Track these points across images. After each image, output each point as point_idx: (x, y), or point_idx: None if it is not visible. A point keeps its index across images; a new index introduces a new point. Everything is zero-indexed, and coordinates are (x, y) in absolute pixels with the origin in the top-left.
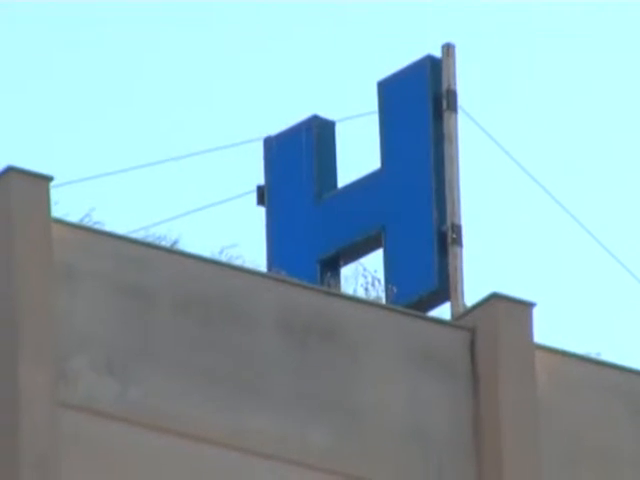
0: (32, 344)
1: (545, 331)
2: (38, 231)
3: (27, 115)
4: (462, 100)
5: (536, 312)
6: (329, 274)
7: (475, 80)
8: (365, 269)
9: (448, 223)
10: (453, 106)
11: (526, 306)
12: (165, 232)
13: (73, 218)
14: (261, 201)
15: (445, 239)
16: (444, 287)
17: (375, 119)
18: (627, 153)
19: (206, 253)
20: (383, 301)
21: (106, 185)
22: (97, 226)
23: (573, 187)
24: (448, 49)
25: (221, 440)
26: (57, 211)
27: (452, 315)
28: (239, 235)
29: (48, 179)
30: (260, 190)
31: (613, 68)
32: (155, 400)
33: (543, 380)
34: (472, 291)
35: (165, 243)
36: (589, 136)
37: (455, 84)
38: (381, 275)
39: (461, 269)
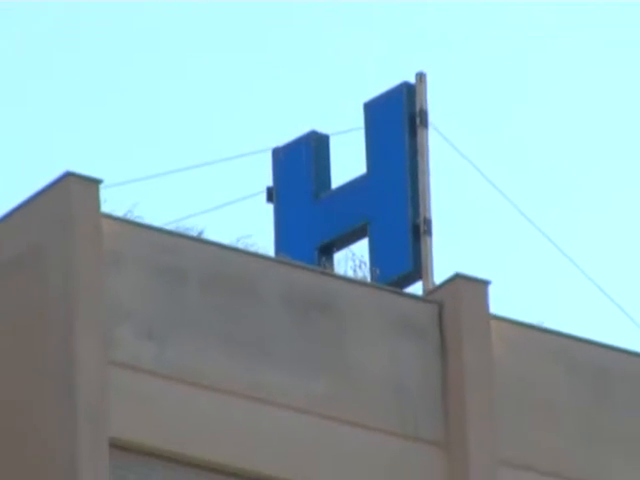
0: (86, 315)
1: (499, 304)
2: (91, 225)
3: (79, 122)
4: (433, 118)
5: (491, 289)
6: (324, 258)
7: (446, 102)
8: (354, 254)
9: (421, 218)
10: (425, 123)
11: (483, 284)
12: (193, 224)
13: (119, 213)
14: (270, 199)
15: (418, 230)
16: (417, 269)
17: (361, 133)
18: (571, 155)
19: (226, 241)
20: (368, 280)
21: (145, 185)
22: (138, 219)
23: (521, 185)
24: (421, 77)
25: (240, 392)
26: (106, 207)
27: (423, 291)
28: (253, 227)
29: (98, 182)
30: (269, 190)
31: (575, 85)
32: (186, 360)
33: (498, 345)
34: (440, 272)
35: (193, 233)
36: (536, 138)
37: (426, 105)
38: (367, 259)
39: (431, 254)
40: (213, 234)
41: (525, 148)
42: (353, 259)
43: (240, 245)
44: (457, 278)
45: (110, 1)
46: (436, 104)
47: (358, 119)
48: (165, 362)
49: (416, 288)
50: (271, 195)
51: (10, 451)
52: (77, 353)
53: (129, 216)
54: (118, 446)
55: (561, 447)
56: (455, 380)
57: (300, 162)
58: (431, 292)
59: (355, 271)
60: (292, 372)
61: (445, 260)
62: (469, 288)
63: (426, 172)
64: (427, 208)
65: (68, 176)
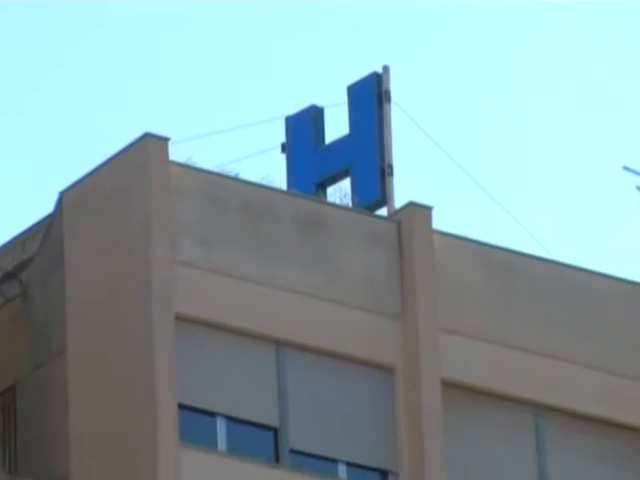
0: (159, 230)
1: (441, 223)
2: (162, 169)
3: (152, 89)
4: (395, 96)
5: (434, 212)
6: (320, 191)
7: (405, 84)
8: (340, 188)
9: (386, 163)
10: (388, 99)
11: (428, 209)
12: (231, 168)
13: (181, 160)
14: (283, 151)
15: (384, 172)
16: (383, 198)
17: (345, 107)
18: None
19: (254, 179)
20: (350, 205)
21: (199, 141)
22: (194, 164)
23: (464, 142)
24: (385, 68)
25: (262, 281)
26: (172, 156)
27: (388, 213)
28: (272, 169)
29: (166, 139)
30: (283, 145)
31: (521, 69)
32: (225, 259)
33: (438, 249)
34: (399, 201)
35: (231, 174)
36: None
37: (389, 87)
38: (349, 191)
39: (393, 188)
40: (245, 175)
41: (459, 115)
42: (340, 191)
43: (263, 182)
44: (410, 205)
45: None
46: (398, 86)
47: (343, 96)
48: (211, 261)
49: (382, 211)
50: (284, 148)
51: (104, 331)
52: (153, 256)
53: (188, 162)
54: (181, 319)
55: (481, 319)
56: (409, 273)
57: (304, 126)
58: (393, 214)
59: (341, 199)
60: (298, 268)
61: (403, 192)
62: (418, 211)
63: (389, 133)
64: (390, 157)
65: (146, 135)
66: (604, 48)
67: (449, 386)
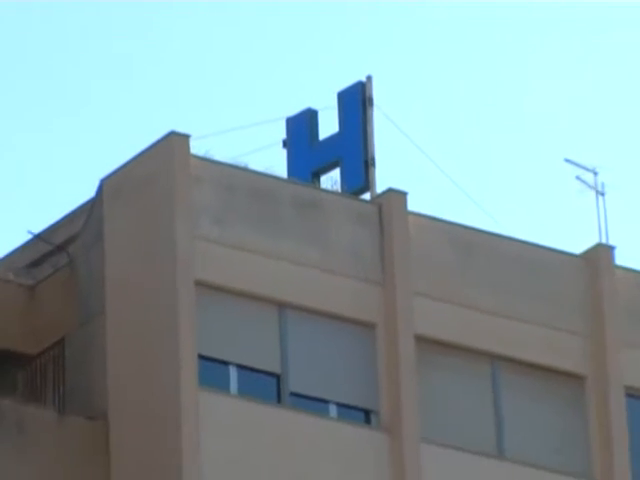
0: (181, 211)
1: (416, 205)
2: (183, 161)
3: (176, 90)
4: (378, 101)
5: (410, 197)
6: (315, 179)
7: (387, 91)
8: (332, 177)
9: (369, 156)
10: (371, 104)
11: (404, 194)
12: (241, 160)
13: (200, 153)
14: (284, 146)
15: (368, 164)
16: (367, 185)
17: (335, 110)
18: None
19: (260, 169)
20: (340, 191)
21: (217, 137)
22: (210, 157)
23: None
24: (369, 78)
25: (267, 253)
26: (193, 150)
27: (371, 197)
28: (275, 161)
29: (188, 136)
30: (284, 141)
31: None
32: (237, 235)
33: (412, 228)
34: (380, 187)
35: (241, 165)
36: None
37: (372, 94)
38: (339, 179)
39: (374, 177)
40: (252, 165)
41: (431, 116)
42: (331, 179)
43: (268, 171)
44: (389, 191)
45: None
46: (381, 92)
47: (334, 101)
48: (224, 236)
49: (366, 196)
50: (285, 144)
51: (136, 295)
52: (176, 232)
53: (206, 155)
54: (200, 284)
55: (448, 285)
56: (388, 247)
57: (301, 125)
58: (374, 198)
59: (332, 186)
60: (296, 243)
61: (383, 180)
62: (396, 196)
63: (372, 131)
64: (372, 151)
65: (171, 133)
66: (560, 47)
67: (421, 340)
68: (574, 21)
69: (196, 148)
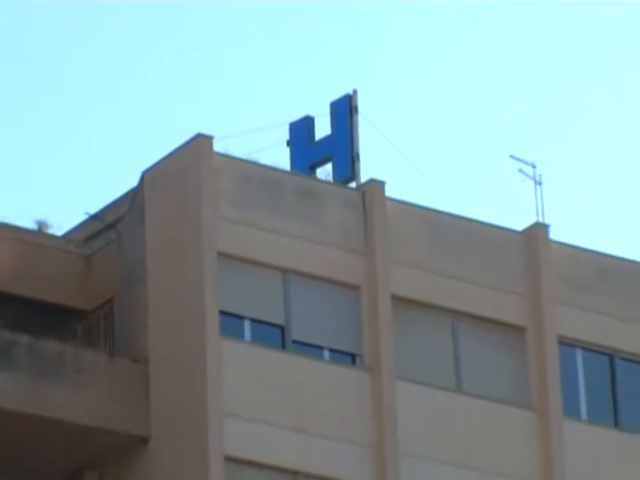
0: (207, 197)
1: (393, 193)
2: (208, 158)
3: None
4: (362, 109)
5: (388, 186)
6: (312, 171)
7: (369, 99)
8: (326, 169)
9: (354, 153)
10: (356, 112)
11: (382, 183)
12: (253, 156)
13: (220, 150)
14: (288, 145)
15: (354, 159)
16: (353, 176)
17: (328, 117)
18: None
19: (269, 163)
20: (332, 180)
21: (237, 138)
22: (228, 154)
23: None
24: (355, 92)
25: (274, 230)
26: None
27: (356, 186)
28: (281, 157)
29: (211, 137)
30: (287, 141)
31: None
32: (250, 215)
33: (390, 210)
34: (363, 177)
35: (253, 159)
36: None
37: (357, 103)
38: (331, 171)
39: (359, 169)
40: (263, 160)
41: (406, 120)
42: (325, 171)
43: (275, 165)
44: (371, 180)
45: None
46: (366, 100)
47: (327, 109)
48: (241, 217)
49: (352, 185)
50: (288, 143)
51: (170, 263)
52: (202, 214)
53: (226, 152)
54: (222, 255)
55: (419, 255)
56: (370, 226)
57: (301, 129)
58: (359, 187)
59: (326, 177)
60: (297, 222)
61: (366, 172)
62: (376, 185)
63: (357, 133)
64: (357, 149)
65: (198, 135)
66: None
67: (397, 299)
68: (514, 23)
69: (217, 146)
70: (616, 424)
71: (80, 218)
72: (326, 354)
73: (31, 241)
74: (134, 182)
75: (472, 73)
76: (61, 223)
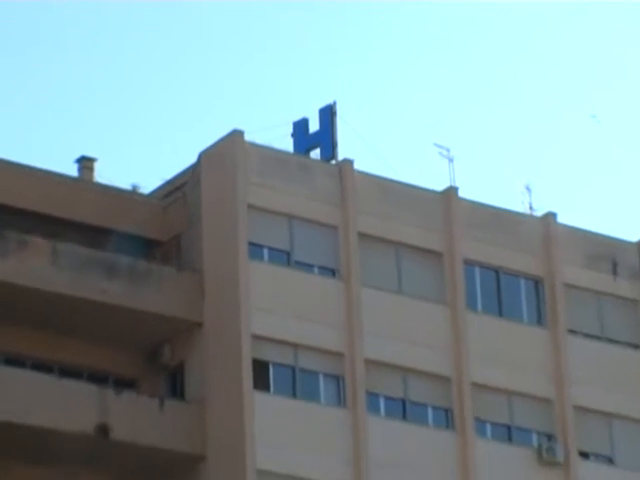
0: (241, 177)
1: (361, 167)
2: (238, 147)
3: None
4: (341, 113)
5: (356, 164)
6: (307, 153)
7: (348, 107)
8: (316, 152)
9: (334, 142)
10: (335, 115)
11: (351, 161)
12: (273, 144)
13: (246, 139)
14: (292, 136)
15: (334, 146)
16: (334, 156)
17: (317, 120)
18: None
19: (280, 148)
20: (319, 159)
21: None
22: (255, 142)
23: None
24: (335, 102)
25: (283, 192)
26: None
27: (335, 163)
28: (287, 145)
29: (242, 132)
30: (292, 134)
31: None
32: (268, 182)
33: (358, 180)
34: (341, 156)
35: (273, 147)
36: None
37: (336, 110)
38: (319, 153)
39: (337, 152)
40: (277, 146)
41: (375, 119)
42: (316, 154)
43: (284, 149)
44: (344, 160)
45: None
46: (345, 106)
47: (316, 114)
48: (262, 182)
49: (332, 162)
50: (292, 135)
51: (226, 211)
52: (237, 182)
53: (251, 141)
54: (250, 207)
55: (373, 205)
56: (344, 188)
57: (300, 126)
58: (338, 163)
59: (316, 157)
60: (299, 185)
61: (343, 153)
62: (348, 163)
63: (336, 129)
64: (336, 139)
65: (234, 131)
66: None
67: (363, 235)
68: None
69: (247, 137)
70: (500, 314)
71: (160, 182)
72: (315, 270)
73: (128, 198)
74: (194, 159)
75: (418, 75)
76: (148, 185)
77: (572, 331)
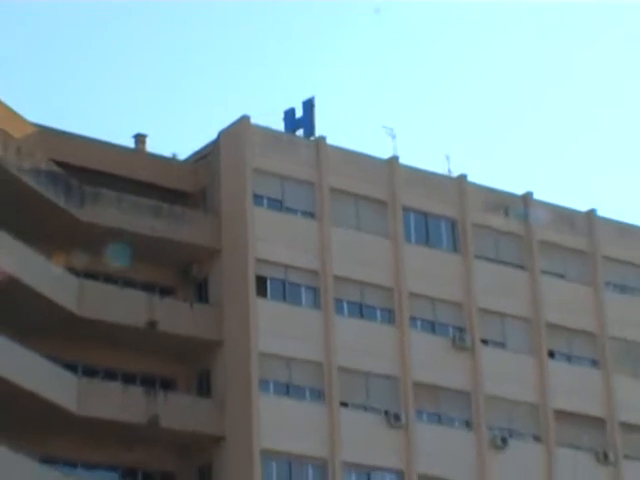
0: (249, 147)
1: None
2: (244, 129)
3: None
4: (319, 107)
5: (328, 140)
6: (294, 133)
7: (325, 102)
8: (300, 132)
9: (313, 124)
10: (314, 106)
11: (324, 137)
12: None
13: (253, 122)
14: (284, 121)
15: (313, 127)
16: (312, 133)
17: (301, 109)
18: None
19: (276, 128)
20: (302, 136)
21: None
22: (257, 125)
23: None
24: (313, 97)
25: (279, 159)
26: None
27: (313, 139)
28: (280, 126)
29: (248, 117)
30: (283, 119)
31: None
32: (268, 153)
33: (329, 150)
34: (317, 133)
35: (270, 128)
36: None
37: (315, 103)
38: (302, 132)
39: (315, 131)
40: (274, 127)
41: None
42: (301, 132)
43: (277, 129)
44: (320, 137)
45: None
46: (322, 101)
47: (300, 104)
48: (263, 153)
49: (312, 139)
50: (284, 120)
51: (229, 176)
52: (246, 153)
53: (255, 123)
54: (254, 170)
55: (341, 165)
56: (320, 155)
57: (289, 114)
58: (314, 140)
59: (300, 135)
60: (288, 155)
61: (319, 132)
62: (322, 139)
63: (314, 115)
64: (314, 122)
65: (243, 116)
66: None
67: (331, 189)
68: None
69: (253, 120)
70: (427, 242)
71: (191, 152)
72: (299, 213)
73: (168, 162)
74: (215, 136)
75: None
76: (183, 154)
77: (477, 256)
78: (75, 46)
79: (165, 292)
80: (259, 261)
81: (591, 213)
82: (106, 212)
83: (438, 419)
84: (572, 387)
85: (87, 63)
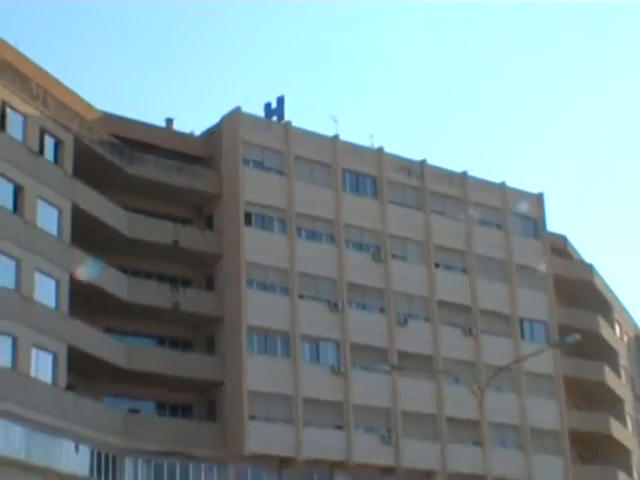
0: (243, 129)
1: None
2: (237, 119)
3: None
4: (289, 104)
5: (294, 123)
6: (270, 119)
7: (296, 99)
8: (274, 118)
9: (284, 113)
10: (283, 102)
11: (289, 122)
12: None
13: (248, 111)
14: (265, 110)
15: (283, 116)
16: (283, 118)
17: (275, 104)
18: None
19: (260, 117)
20: (277, 121)
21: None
22: (254, 115)
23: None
24: (283, 95)
25: (272, 139)
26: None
27: (283, 123)
28: (261, 114)
29: (240, 107)
30: (264, 110)
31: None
32: (259, 134)
33: (296, 133)
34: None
35: (259, 115)
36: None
37: (284, 98)
38: (276, 119)
39: (285, 117)
40: (258, 115)
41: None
42: (275, 119)
43: (260, 116)
44: (287, 122)
45: None
46: (292, 97)
47: (274, 101)
48: (251, 134)
49: (283, 122)
50: (265, 110)
51: (230, 152)
52: (239, 134)
53: (248, 112)
54: (244, 143)
55: (314, 144)
56: (287, 133)
57: (268, 106)
58: (283, 124)
59: (274, 120)
60: (266, 134)
61: (288, 117)
62: (288, 123)
63: (283, 107)
64: (284, 111)
65: (237, 108)
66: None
67: (295, 157)
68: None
69: (244, 109)
70: (357, 192)
71: (204, 129)
72: (274, 172)
73: (188, 137)
74: (219, 119)
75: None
76: (198, 131)
77: (390, 201)
78: (135, 51)
79: (185, 222)
80: (246, 202)
81: (465, 174)
82: (147, 169)
83: (363, 307)
84: (449, 287)
85: (136, 64)
